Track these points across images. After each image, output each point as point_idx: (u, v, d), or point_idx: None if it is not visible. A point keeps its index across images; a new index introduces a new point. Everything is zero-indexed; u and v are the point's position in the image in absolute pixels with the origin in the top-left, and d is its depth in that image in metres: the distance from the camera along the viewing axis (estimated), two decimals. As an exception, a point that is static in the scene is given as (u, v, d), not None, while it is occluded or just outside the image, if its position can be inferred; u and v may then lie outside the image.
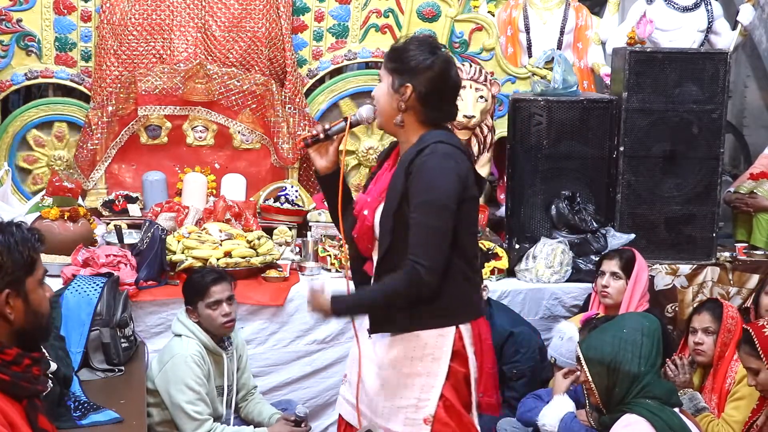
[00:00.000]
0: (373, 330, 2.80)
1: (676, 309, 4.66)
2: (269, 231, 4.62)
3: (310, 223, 4.73)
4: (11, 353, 2.03)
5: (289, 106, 4.93)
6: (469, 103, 4.74)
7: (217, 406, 3.78)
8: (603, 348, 3.01)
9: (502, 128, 5.04)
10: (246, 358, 4.00)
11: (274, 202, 4.79)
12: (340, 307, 2.75)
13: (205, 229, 4.41)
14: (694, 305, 4.41)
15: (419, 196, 2.62)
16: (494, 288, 4.41)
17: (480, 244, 4.30)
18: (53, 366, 2.83)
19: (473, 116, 4.76)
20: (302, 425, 3.82)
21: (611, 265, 4.18)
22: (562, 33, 5.52)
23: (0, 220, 2.14)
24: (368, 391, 2.84)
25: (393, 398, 2.77)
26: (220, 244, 4.29)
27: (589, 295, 4.37)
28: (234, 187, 4.85)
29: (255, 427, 3.87)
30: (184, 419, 3.60)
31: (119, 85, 4.80)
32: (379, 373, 2.79)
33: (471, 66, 4.90)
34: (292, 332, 4.25)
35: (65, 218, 4.19)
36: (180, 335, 3.73)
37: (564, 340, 3.95)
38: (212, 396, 3.74)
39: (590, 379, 3.02)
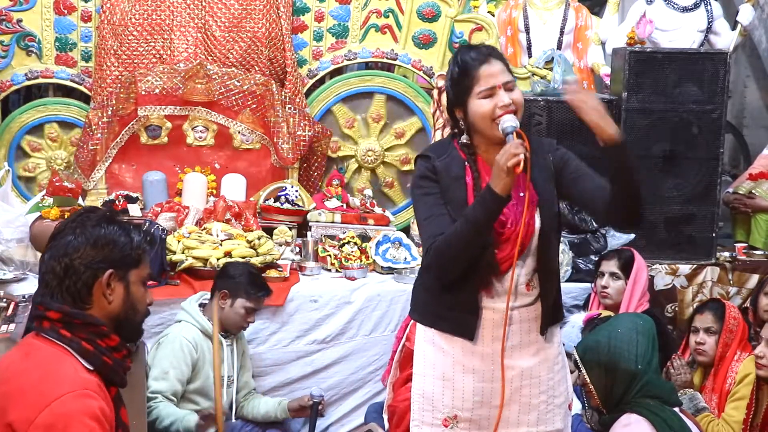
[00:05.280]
0: (545, 329, 2.76)
1: (676, 309, 4.66)
2: (269, 231, 4.63)
3: (310, 223, 4.73)
4: (116, 339, 2.09)
5: (289, 106, 4.93)
6: (469, 103, 4.73)
7: (214, 396, 3.81)
8: (598, 349, 3.02)
9: (502, 128, 5.03)
10: (249, 359, 4.04)
11: (274, 202, 4.79)
12: None
13: (205, 229, 4.41)
14: (695, 305, 4.43)
15: (575, 158, 2.74)
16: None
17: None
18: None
19: (473, 116, 4.75)
20: (319, 407, 3.89)
21: (610, 266, 4.18)
22: (561, 33, 5.52)
23: (113, 210, 2.22)
24: (526, 408, 2.76)
25: (553, 399, 2.80)
26: (220, 244, 4.29)
27: (589, 295, 4.38)
28: (234, 187, 4.85)
29: (262, 418, 3.96)
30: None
31: (119, 85, 4.80)
32: (540, 381, 2.77)
33: (471, 66, 4.89)
34: (292, 332, 4.25)
35: (65, 218, 4.18)
36: (180, 321, 3.82)
37: (575, 328, 4.01)
38: (206, 387, 3.78)
39: (588, 380, 3.02)
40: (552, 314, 2.77)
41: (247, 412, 3.97)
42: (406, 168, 5.22)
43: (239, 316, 3.80)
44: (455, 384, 2.73)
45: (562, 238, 4.55)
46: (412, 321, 2.91)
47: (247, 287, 3.81)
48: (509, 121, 2.55)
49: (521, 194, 2.60)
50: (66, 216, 4.17)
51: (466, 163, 2.68)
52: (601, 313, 4.04)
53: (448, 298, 2.70)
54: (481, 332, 2.69)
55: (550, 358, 2.79)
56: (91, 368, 2.03)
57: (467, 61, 2.63)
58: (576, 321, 4.10)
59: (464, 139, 2.69)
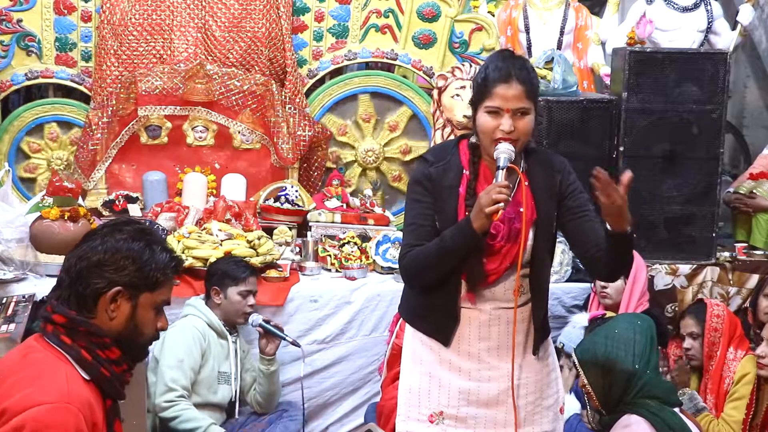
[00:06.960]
0: (537, 349, 2.79)
1: (676, 309, 4.66)
2: (269, 231, 4.62)
3: (310, 223, 4.73)
4: (117, 352, 2.08)
5: (289, 106, 4.92)
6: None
7: (217, 390, 3.86)
8: (596, 349, 3.02)
9: (502, 128, 5.03)
10: (250, 355, 4.10)
11: (274, 202, 4.78)
12: None
13: (205, 229, 4.41)
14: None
15: (582, 191, 2.71)
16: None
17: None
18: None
19: (473, 116, 4.75)
20: (266, 322, 3.93)
21: (610, 265, 4.17)
22: (561, 33, 5.52)
23: (151, 227, 2.21)
24: (521, 409, 2.77)
25: (542, 400, 2.81)
26: (220, 244, 4.29)
27: (589, 295, 4.38)
28: (234, 187, 4.85)
29: (268, 396, 4.00)
30: (159, 382, 3.68)
31: (119, 85, 4.80)
32: (528, 382, 2.78)
33: (471, 66, 4.90)
34: (292, 332, 4.23)
35: (65, 218, 4.19)
36: (187, 315, 3.88)
37: (576, 328, 4.02)
38: (211, 379, 3.82)
39: (587, 381, 3.02)
40: (542, 331, 2.80)
41: (256, 401, 4.03)
42: (408, 158, 5.22)
43: (238, 304, 3.90)
44: (441, 381, 2.74)
45: (562, 238, 4.56)
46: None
47: (230, 274, 3.92)
48: (503, 153, 2.56)
49: (520, 209, 2.61)
50: (66, 216, 4.19)
51: (465, 171, 2.68)
52: (605, 314, 4.04)
53: (428, 300, 2.74)
54: (467, 332, 2.71)
55: (538, 359, 2.79)
56: (87, 378, 2.01)
57: (488, 74, 2.62)
58: (578, 321, 4.09)
59: (473, 139, 2.71)
